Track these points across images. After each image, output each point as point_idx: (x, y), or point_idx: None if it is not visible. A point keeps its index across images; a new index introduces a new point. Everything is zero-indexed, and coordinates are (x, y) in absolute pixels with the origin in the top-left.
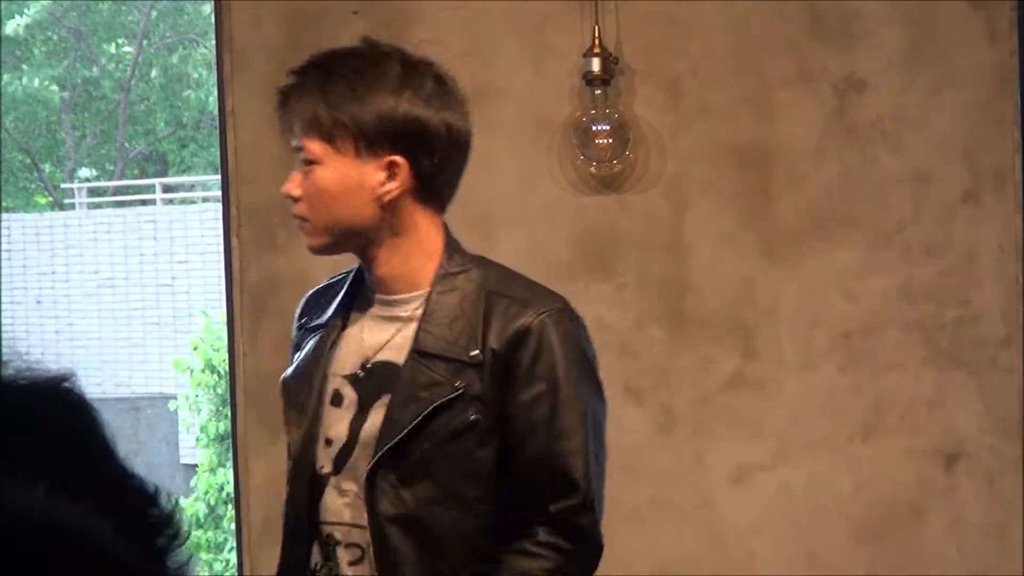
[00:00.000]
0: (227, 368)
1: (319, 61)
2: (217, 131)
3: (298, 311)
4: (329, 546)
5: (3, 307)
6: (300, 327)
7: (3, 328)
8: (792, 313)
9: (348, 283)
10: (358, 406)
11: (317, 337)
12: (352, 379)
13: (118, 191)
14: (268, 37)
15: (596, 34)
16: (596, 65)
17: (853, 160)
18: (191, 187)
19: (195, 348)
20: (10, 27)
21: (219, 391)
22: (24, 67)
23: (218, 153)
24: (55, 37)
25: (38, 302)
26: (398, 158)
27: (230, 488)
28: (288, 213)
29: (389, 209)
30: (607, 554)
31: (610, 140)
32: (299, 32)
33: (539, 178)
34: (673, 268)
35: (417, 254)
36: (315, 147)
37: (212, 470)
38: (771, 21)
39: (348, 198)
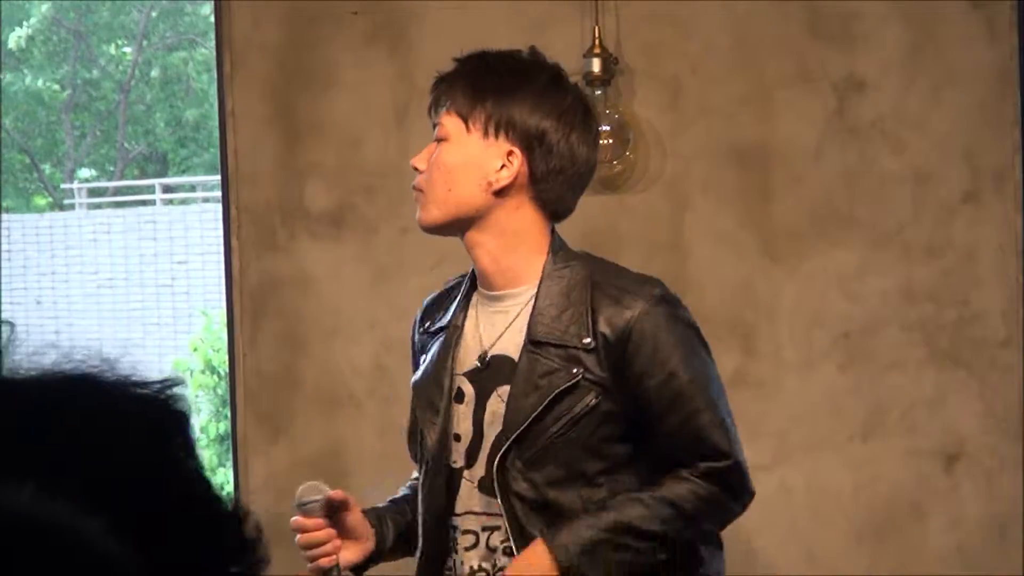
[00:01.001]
0: (227, 369)
1: (482, 55)
2: (217, 131)
3: (418, 316)
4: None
5: (3, 307)
6: (423, 332)
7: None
8: (792, 313)
9: (464, 286)
10: (476, 400)
11: (442, 339)
12: (470, 375)
13: (118, 191)
14: (268, 37)
15: (596, 34)
16: (596, 65)
17: (853, 160)
18: (191, 187)
19: (195, 349)
20: (12, 41)
21: (219, 392)
22: (25, 69)
23: (218, 153)
24: (55, 38)
25: (38, 302)
26: (517, 150)
27: (230, 488)
28: (288, 213)
29: (500, 197)
30: None
31: (610, 140)
32: (299, 32)
33: None
34: (673, 268)
35: (522, 248)
36: (450, 125)
37: (212, 470)
38: (771, 21)
39: (465, 175)
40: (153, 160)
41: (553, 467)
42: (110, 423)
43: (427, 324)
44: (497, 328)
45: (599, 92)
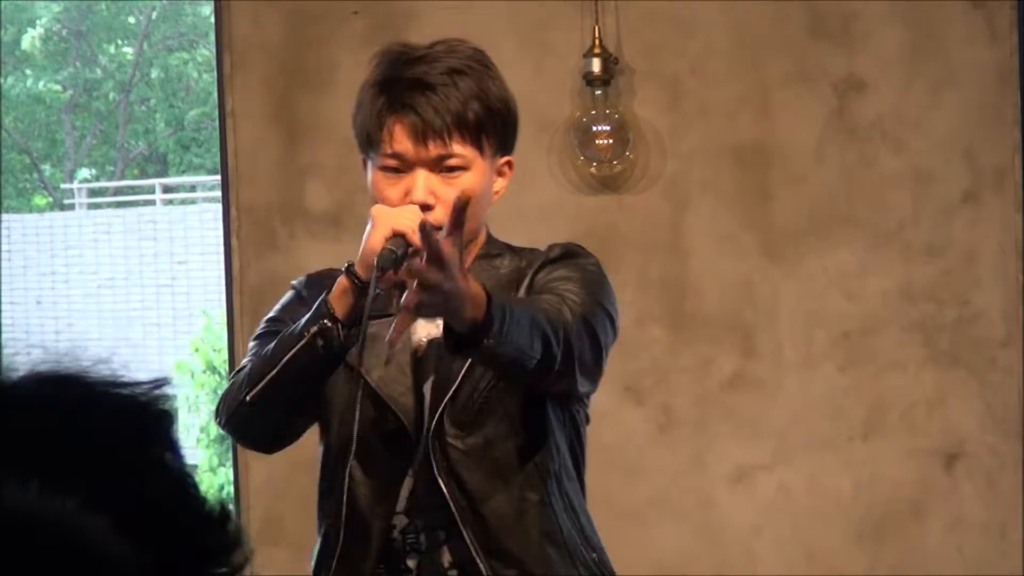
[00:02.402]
0: (227, 369)
1: (438, 58)
2: (217, 132)
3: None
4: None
5: (3, 307)
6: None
7: (3, 328)
8: (792, 313)
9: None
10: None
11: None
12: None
13: (118, 191)
14: (268, 37)
15: (596, 34)
16: (596, 65)
17: (853, 160)
18: (191, 187)
19: (196, 350)
20: (26, 42)
21: (219, 392)
22: (27, 70)
23: (218, 153)
24: (55, 38)
25: (38, 303)
26: (512, 158)
27: (230, 488)
28: (287, 213)
29: None
30: (607, 554)
31: (610, 140)
32: (299, 32)
33: (539, 178)
34: (673, 268)
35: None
36: (466, 151)
37: (212, 470)
38: (771, 21)
39: (485, 203)
40: (153, 160)
41: (491, 424)
42: (92, 423)
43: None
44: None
45: (599, 92)
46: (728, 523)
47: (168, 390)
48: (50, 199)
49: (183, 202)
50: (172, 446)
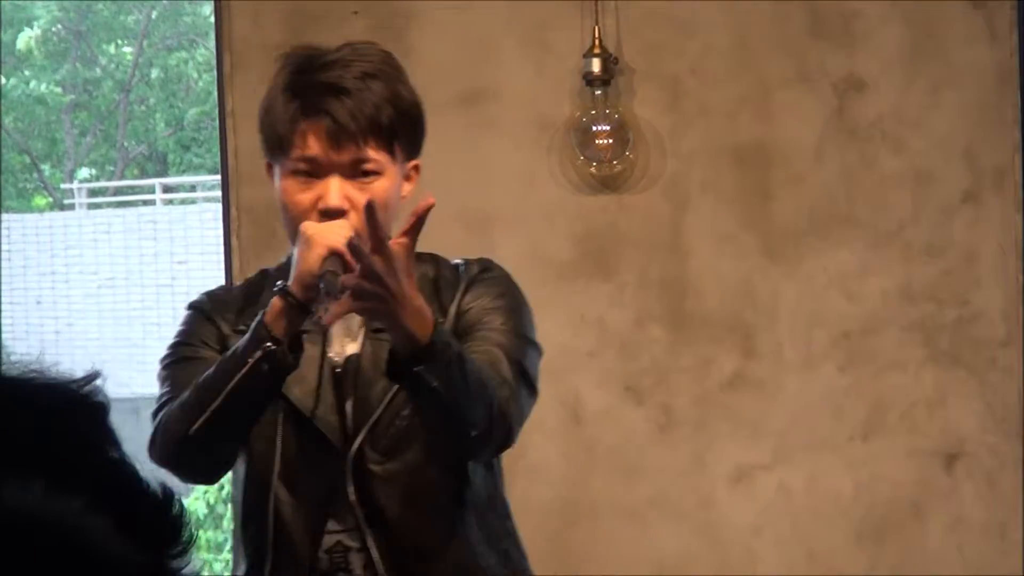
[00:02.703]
0: None
1: (350, 62)
2: (217, 132)
3: (212, 311)
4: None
5: (3, 307)
6: (238, 331)
7: (3, 328)
8: (792, 313)
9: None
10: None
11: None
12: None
13: (118, 191)
14: (268, 37)
15: (596, 34)
16: (596, 65)
17: (853, 160)
18: (191, 187)
19: None
20: (22, 42)
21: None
22: (26, 71)
23: (218, 153)
24: (55, 38)
25: (38, 302)
26: (419, 162)
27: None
28: None
29: None
30: (607, 554)
31: (610, 140)
32: (299, 32)
33: (539, 178)
34: (673, 268)
35: None
36: (380, 156)
37: None
38: (771, 21)
39: (395, 208)
40: (153, 160)
41: (412, 452)
42: (29, 419)
43: (241, 326)
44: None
45: (599, 92)
46: (728, 523)
47: (99, 383)
48: (50, 199)
49: (183, 202)
50: (113, 438)
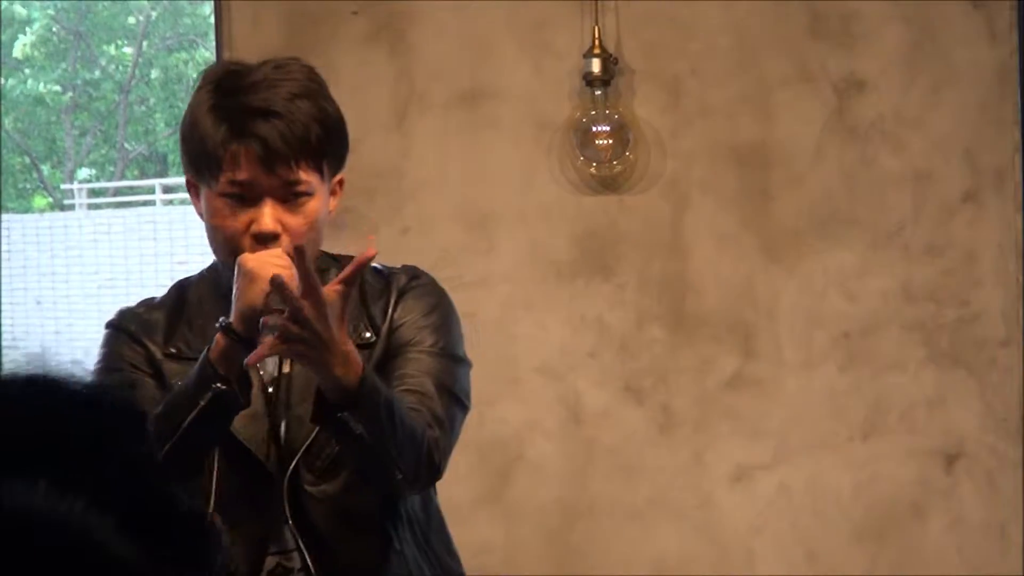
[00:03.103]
0: None
1: (276, 82)
2: None
3: (140, 335)
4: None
5: (3, 307)
6: (169, 355)
7: (3, 328)
8: (792, 313)
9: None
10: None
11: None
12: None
13: (118, 192)
14: (268, 38)
15: (596, 34)
16: (596, 65)
17: (853, 160)
18: None
19: None
20: (18, 49)
21: None
22: (26, 71)
23: None
24: (55, 39)
25: (38, 303)
26: (343, 176)
27: None
28: None
29: None
30: (607, 554)
31: (610, 140)
32: (299, 32)
33: (539, 178)
34: (673, 268)
35: None
36: (311, 177)
37: None
38: (771, 21)
39: (324, 226)
40: (153, 160)
41: (346, 472)
42: (85, 426)
43: (171, 348)
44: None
45: (599, 92)
46: (728, 523)
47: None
48: (50, 199)
49: (183, 202)
50: (151, 446)
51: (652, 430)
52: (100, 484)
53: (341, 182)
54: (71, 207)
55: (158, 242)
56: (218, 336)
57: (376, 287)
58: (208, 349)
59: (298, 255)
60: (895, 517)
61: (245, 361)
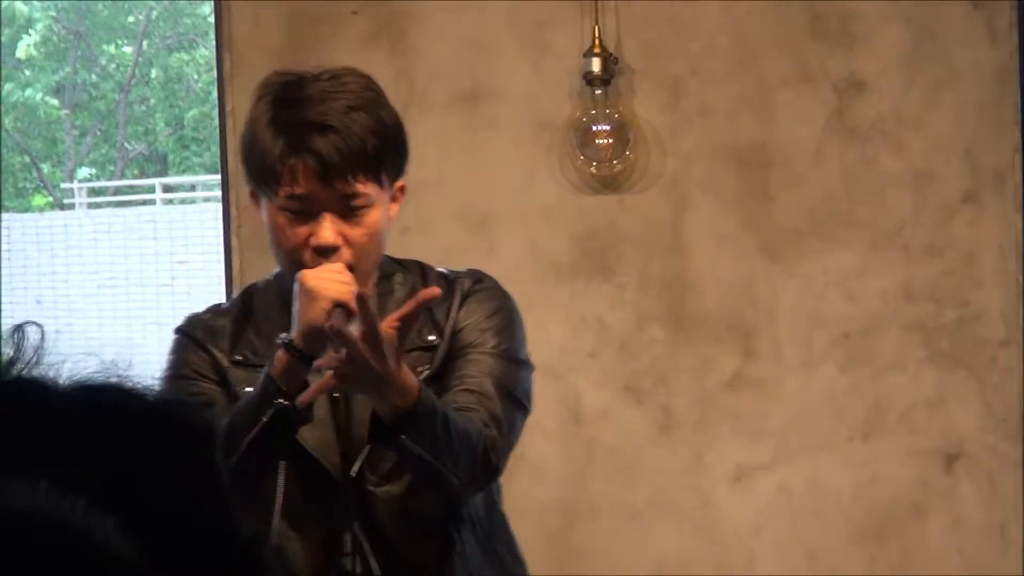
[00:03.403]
0: None
1: (332, 95)
2: (217, 131)
3: (207, 342)
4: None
5: (3, 307)
6: (236, 363)
7: (3, 328)
8: (792, 313)
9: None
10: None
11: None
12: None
13: (118, 191)
14: (268, 37)
15: (596, 34)
16: (596, 65)
17: (853, 160)
18: (191, 187)
19: None
20: (21, 50)
21: None
22: (27, 72)
23: (218, 153)
24: (55, 38)
25: (38, 302)
26: (404, 182)
27: None
28: None
29: None
30: (607, 554)
31: (610, 140)
32: (299, 32)
33: (539, 178)
34: (673, 268)
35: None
36: (369, 188)
37: None
38: (771, 21)
39: (386, 234)
40: (153, 160)
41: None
42: (142, 432)
43: (237, 355)
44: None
45: (599, 92)
46: (728, 523)
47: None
48: (50, 199)
49: (183, 202)
50: (215, 471)
51: (652, 430)
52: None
53: (403, 188)
54: (71, 206)
55: (158, 241)
56: (279, 353)
57: (418, 273)
58: (270, 365)
59: (360, 303)
60: (895, 517)
61: (298, 400)
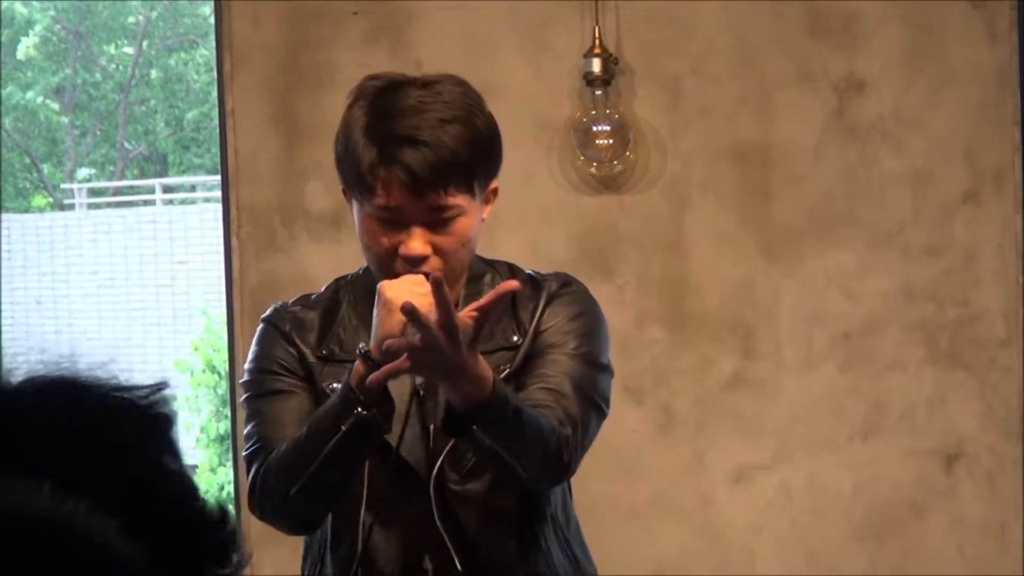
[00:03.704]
0: (227, 368)
1: (426, 107)
2: (217, 132)
3: (295, 335)
4: None
5: (3, 307)
6: (322, 357)
7: (3, 328)
8: (792, 313)
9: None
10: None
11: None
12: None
13: (118, 191)
14: (268, 37)
15: (596, 34)
16: (596, 65)
17: (853, 160)
18: (191, 187)
19: (196, 349)
20: (21, 51)
21: (219, 391)
22: (27, 72)
23: (218, 153)
24: (54, 39)
25: (38, 302)
26: (496, 184)
27: (230, 488)
28: (287, 213)
29: None
30: (607, 554)
31: (610, 140)
32: (299, 32)
33: (539, 178)
34: (673, 268)
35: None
36: (460, 200)
37: (212, 470)
38: (771, 21)
39: (477, 237)
40: (153, 160)
41: (488, 474)
42: (94, 426)
43: (324, 350)
44: None
45: (599, 92)
46: (728, 523)
47: (167, 393)
48: (50, 199)
49: (183, 202)
50: (172, 449)
51: (652, 430)
52: (101, 487)
53: (495, 190)
54: (71, 207)
55: (158, 242)
56: (357, 363)
57: (527, 292)
58: (349, 374)
59: (435, 287)
60: (895, 517)
61: (368, 379)
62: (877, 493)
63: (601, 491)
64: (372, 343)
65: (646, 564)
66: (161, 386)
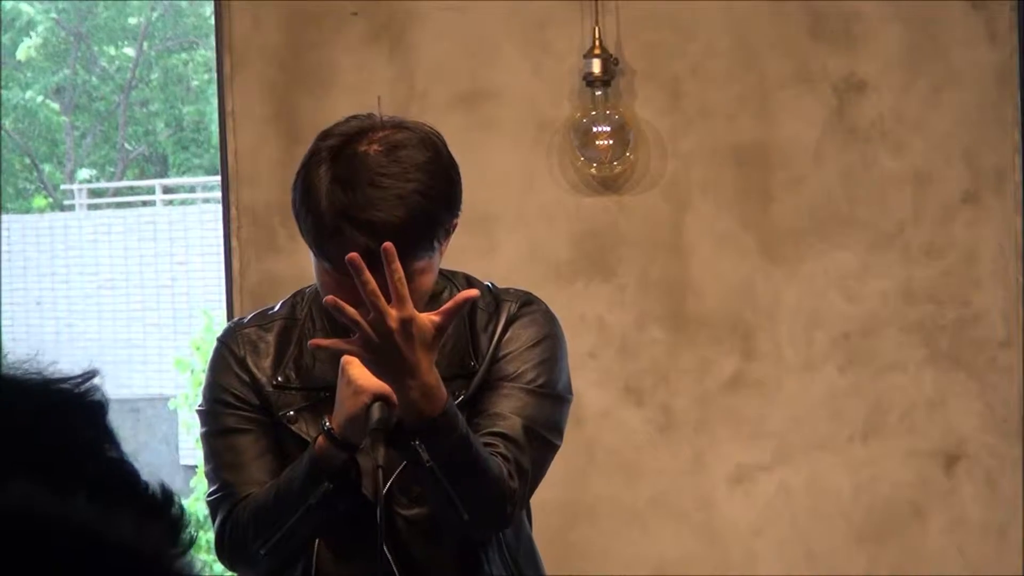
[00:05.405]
0: None
1: (382, 181)
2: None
3: (251, 362)
4: None
5: (3, 308)
6: (278, 385)
7: (3, 328)
8: (792, 313)
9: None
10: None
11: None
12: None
13: (118, 192)
14: (268, 38)
15: (596, 35)
16: (596, 66)
17: (853, 160)
18: (191, 188)
19: (197, 348)
20: (22, 52)
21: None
22: (27, 73)
23: (218, 154)
24: (55, 39)
25: (38, 303)
26: (457, 219)
27: None
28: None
29: None
30: (607, 554)
31: (610, 141)
32: (299, 32)
33: (539, 178)
34: (673, 268)
35: None
36: (421, 261)
37: None
38: (771, 21)
39: (437, 271)
40: (153, 161)
41: None
42: (28, 418)
43: (280, 376)
44: None
45: (599, 92)
46: (728, 524)
47: (97, 381)
48: (50, 199)
49: (183, 202)
50: (110, 436)
51: (652, 431)
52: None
53: (455, 224)
54: (71, 207)
55: (158, 242)
56: (320, 439)
57: (486, 312)
58: (312, 448)
59: (387, 258)
60: (895, 518)
61: (309, 342)
62: (877, 494)
63: (601, 491)
64: (334, 423)
65: (646, 565)
66: (91, 374)
